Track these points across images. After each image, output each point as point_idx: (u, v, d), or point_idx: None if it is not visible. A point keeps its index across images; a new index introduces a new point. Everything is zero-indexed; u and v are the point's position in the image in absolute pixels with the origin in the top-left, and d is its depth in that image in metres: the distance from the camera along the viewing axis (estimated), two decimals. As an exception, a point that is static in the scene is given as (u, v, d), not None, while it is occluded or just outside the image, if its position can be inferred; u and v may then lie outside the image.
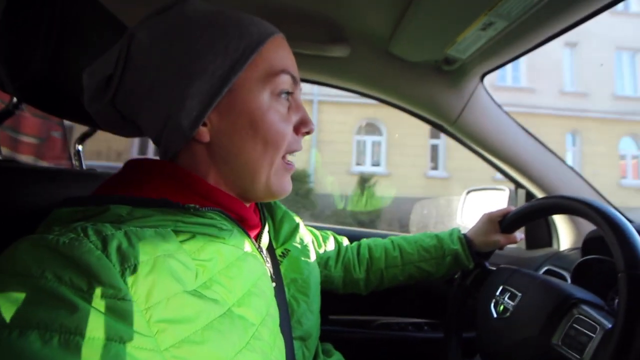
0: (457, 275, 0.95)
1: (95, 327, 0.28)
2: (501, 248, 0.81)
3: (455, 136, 1.03)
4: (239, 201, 0.47)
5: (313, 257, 0.66)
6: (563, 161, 1.00)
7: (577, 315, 0.53)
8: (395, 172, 9.17)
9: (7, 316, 0.26)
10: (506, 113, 0.98)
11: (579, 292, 0.57)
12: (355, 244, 0.85)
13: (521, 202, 1.12)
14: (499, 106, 0.98)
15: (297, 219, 0.68)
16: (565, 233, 1.04)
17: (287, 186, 0.50)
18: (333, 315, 1.09)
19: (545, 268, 0.93)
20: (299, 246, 0.63)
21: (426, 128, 9.22)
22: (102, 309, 0.28)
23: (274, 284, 0.50)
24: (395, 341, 1.06)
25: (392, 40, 0.83)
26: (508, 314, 0.63)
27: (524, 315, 0.60)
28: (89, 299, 0.28)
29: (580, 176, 1.00)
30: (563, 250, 1.03)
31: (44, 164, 1.40)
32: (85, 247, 0.30)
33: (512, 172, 1.04)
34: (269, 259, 0.53)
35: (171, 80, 0.41)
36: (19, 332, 0.25)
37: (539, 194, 1.04)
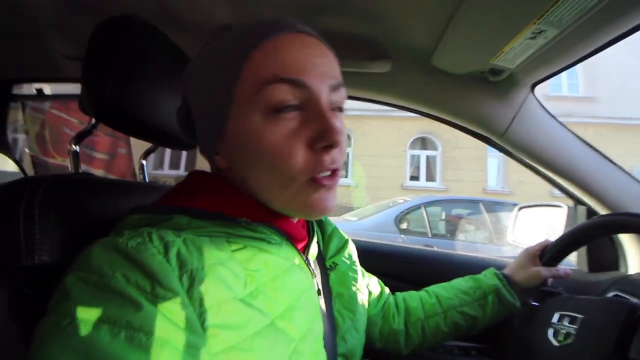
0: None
1: (156, 325, 0.30)
2: (545, 283, 0.75)
3: (506, 150, 0.98)
4: (285, 217, 0.48)
5: (360, 274, 0.65)
6: (629, 174, 0.91)
7: None
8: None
9: (84, 310, 0.29)
10: (562, 124, 0.92)
11: None
12: (392, 297, 0.81)
13: (581, 220, 1.03)
14: (554, 117, 0.92)
15: (346, 236, 0.68)
16: (634, 254, 0.94)
17: (321, 204, 0.43)
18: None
19: (612, 294, 0.84)
20: (347, 262, 0.63)
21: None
22: (163, 310, 0.31)
23: (320, 297, 0.51)
24: None
25: (434, 53, 0.82)
26: (571, 339, 0.58)
27: (591, 335, 0.55)
28: (151, 300, 0.31)
29: None
30: (632, 274, 0.92)
31: (111, 177, 1.56)
32: (149, 251, 0.33)
33: (570, 187, 0.96)
34: (317, 272, 0.54)
35: (196, 117, 0.48)
36: (92, 326, 0.29)
37: (602, 211, 0.94)
